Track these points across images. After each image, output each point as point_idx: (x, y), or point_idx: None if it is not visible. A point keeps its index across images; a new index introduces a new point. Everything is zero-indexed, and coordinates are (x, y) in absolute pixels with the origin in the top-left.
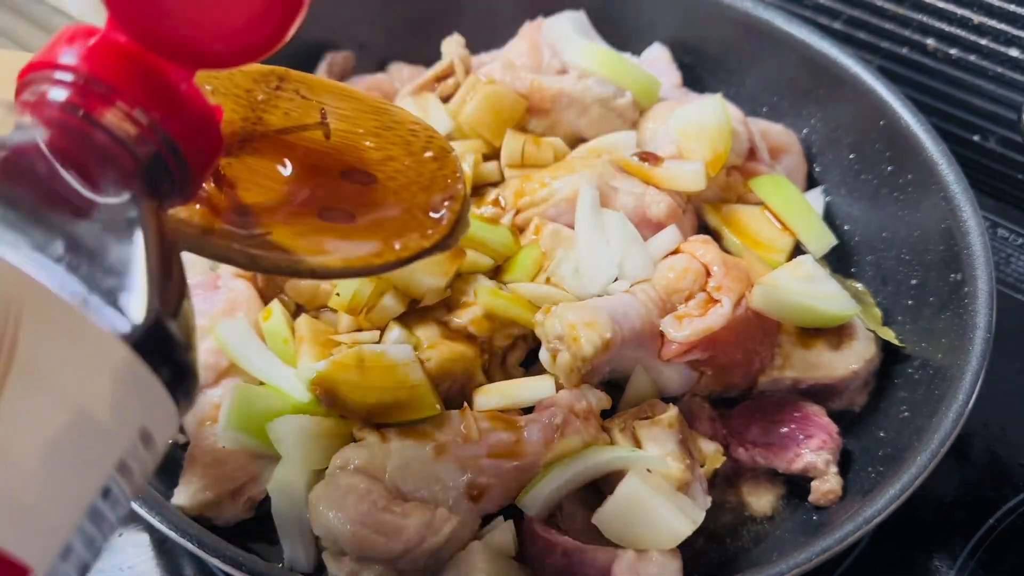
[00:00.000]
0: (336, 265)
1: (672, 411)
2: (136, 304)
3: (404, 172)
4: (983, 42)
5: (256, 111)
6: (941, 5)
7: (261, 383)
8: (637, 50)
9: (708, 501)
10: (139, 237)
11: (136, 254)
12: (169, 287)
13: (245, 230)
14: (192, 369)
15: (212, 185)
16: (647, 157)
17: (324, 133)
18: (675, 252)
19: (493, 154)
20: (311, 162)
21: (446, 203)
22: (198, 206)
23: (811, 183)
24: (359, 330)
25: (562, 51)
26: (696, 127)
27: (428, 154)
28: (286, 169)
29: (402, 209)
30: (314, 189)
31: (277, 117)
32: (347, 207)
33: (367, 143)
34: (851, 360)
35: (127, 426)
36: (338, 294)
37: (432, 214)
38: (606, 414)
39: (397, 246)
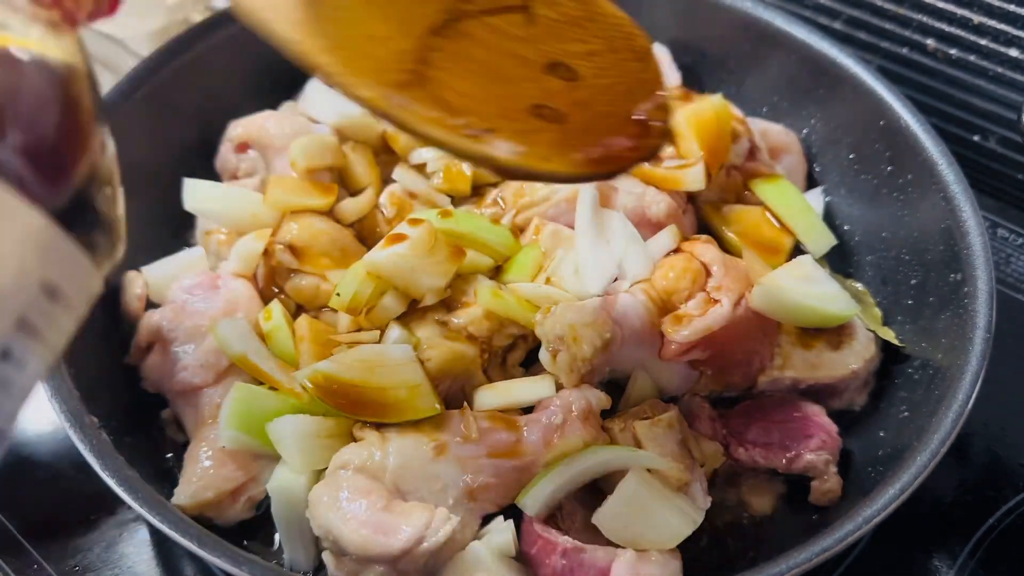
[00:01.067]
0: (559, 171)
1: (672, 411)
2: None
3: (607, 71)
4: (983, 42)
5: None
6: (941, 5)
7: (261, 383)
8: None
9: (708, 501)
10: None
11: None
12: (66, 119)
13: (474, 129)
14: (106, 217)
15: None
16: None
17: (528, 17)
18: (675, 252)
19: None
20: (516, 51)
21: (654, 112)
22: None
23: (811, 183)
24: (359, 330)
25: None
26: (696, 127)
27: (630, 53)
28: (493, 56)
29: (609, 112)
30: (521, 82)
31: None
32: (557, 105)
33: (570, 33)
34: (851, 360)
35: (17, 277)
36: (338, 294)
37: (638, 123)
38: (606, 414)
39: (612, 155)
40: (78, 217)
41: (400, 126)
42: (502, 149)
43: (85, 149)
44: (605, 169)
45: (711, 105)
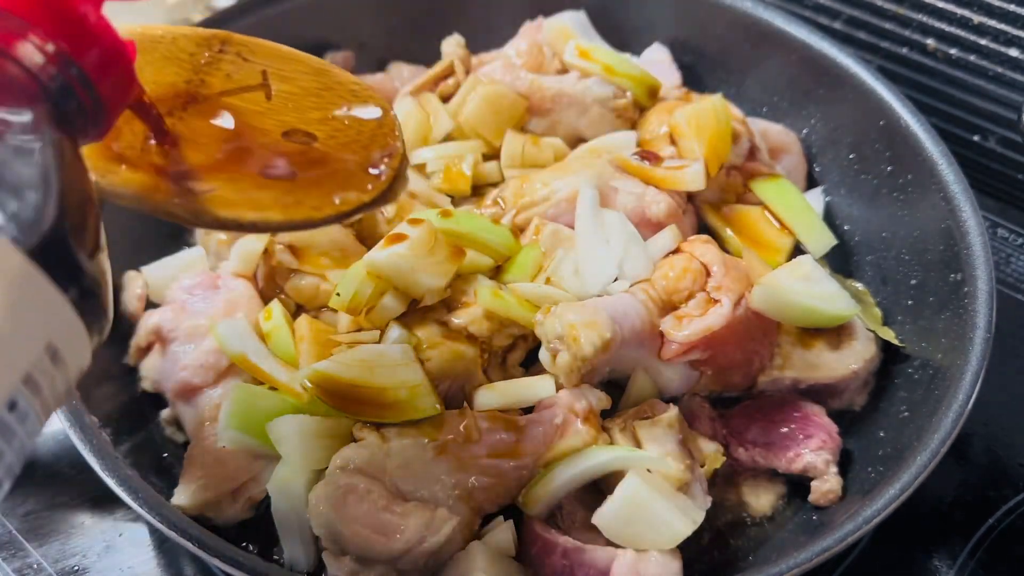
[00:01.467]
0: (277, 219)
1: (672, 411)
2: (31, 214)
3: (344, 131)
4: (983, 42)
5: (199, 74)
6: (941, 5)
7: (261, 383)
8: (637, 50)
9: (708, 501)
10: (43, 159)
11: (39, 174)
12: (75, 211)
13: (189, 187)
14: (102, 302)
15: (155, 144)
16: (647, 156)
17: (265, 94)
18: (675, 252)
19: (493, 154)
20: (253, 122)
21: (385, 159)
22: (141, 165)
23: (811, 183)
24: (359, 330)
25: (562, 51)
26: (696, 127)
27: (366, 113)
28: (228, 129)
29: (342, 166)
30: (256, 148)
31: (219, 79)
32: (288, 165)
33: (307, 103)
34: (851, 360)
35: (32, 338)
36: (338, 294)
37: (371, 170)
38: (606, 414)
39: (337, 200)
40: (79, 290)
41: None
42: (216, 208)
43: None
44: (328, 215)
45: (711, 105)
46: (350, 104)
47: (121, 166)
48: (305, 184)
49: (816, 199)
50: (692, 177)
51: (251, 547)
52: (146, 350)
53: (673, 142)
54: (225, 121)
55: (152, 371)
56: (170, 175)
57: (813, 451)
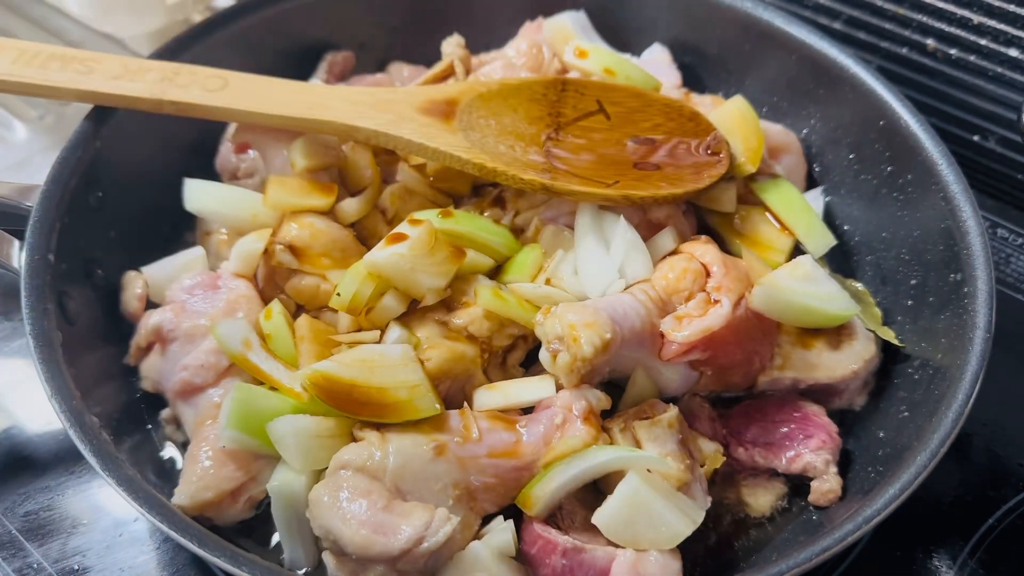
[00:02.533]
0: (677, 192)
1: (672, 411)
2: None
3: (673, 131)
4: (983, 42)
5: (554, 107)
6: (941, 5)
7: (261, 383)
8: (637, 50)
9: (708, 501)
10: None
11: None
12: None
13: (604, 179)
14: None
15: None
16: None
17: (605, 115)
18: (675, 252)
19: None
20: (605, 137)
21: (718, 145)
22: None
23: (811, 183)
24: (359, 330)
25: (562, 51)
26: (729, 126)
27: (683, 117)
28: (592, 143)
29: (688, 155)
30: (619, 152)
31: (569, 109)
32: (650, 160)
33: (637, 117)
34: (851, 360)
35: None
36: (338, 294)
37: (711, 155)
38: (606, 414)
39: (704, 175)
40: None
41: (556, 192)
42: (634, 190)
43: None
44: (708, 184)
45: (735, 106)
46: (667, 112)
47: (549, 173)
48: (672, 171)
49: (816, 199)
50: (725, 197)
51: (251, 547)
52: (146, 350)
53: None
54: (589, 138)
55: (152, 371)
56: (579, 176)
57: (813, 451)
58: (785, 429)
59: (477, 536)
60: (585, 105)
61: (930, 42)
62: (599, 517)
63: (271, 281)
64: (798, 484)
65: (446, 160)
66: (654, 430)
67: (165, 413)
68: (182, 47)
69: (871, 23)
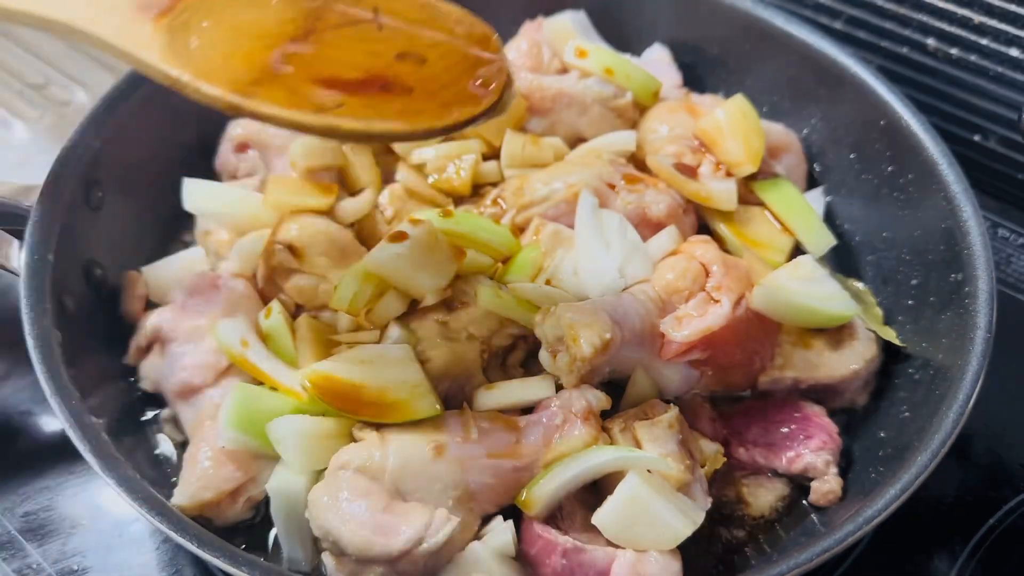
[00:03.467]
0: (402, 129)
1: (672, 411)
2: None
3: (450, 53)
4: (983, 42)
5: (316, 13)
6: (941, 5)
7: (261, 383)
8: (637, 50)
9: (708, 501)
10: None
11: None
12: None
13: (319, 101)
14: None
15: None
16: (683, 169)
17: (377, 26)
18: (675, 252)
19: (493, 154)
20: (368, 49)
21: (493, 76)
22: (276, 86)
23: (811, 183)
24: (359, 330)
25: (562, 51)
26: (729, 126)
27: (470, 38)
28: (346, 54)
29: (453, 82)
30: (373, 68)
31: (334, 15)
32: (405, 82)
33: (415, 31)
34: (852, 360)
35: None
36: (338, 294)
37: (480, 87)
38: (606, 414)
39: (454, 112)
40: None
41: (245, 113)
42: (347, 120)
43: None
44: (447, 124)
45: (735, 106)
46: (453, 31)
47: (259, 87)
48: (422, 97)
49: (816, 199)
50: (725, 196)
51: (251, 547)
52: (146, 350)
53: (704, 147)
54: (345, 47)
55: (152, 371)
56: (301, 92)
57: (813, 451)
58: (786, 429)
59: (477, 536)
60: (357, 12)
61: (931, 42)
62: (599, 517)
63: (271, 281)
64: (798, 484)
65: (136, 64)
66: (654, 430)
67: (165, 413)
68: None
69: (872, 23)
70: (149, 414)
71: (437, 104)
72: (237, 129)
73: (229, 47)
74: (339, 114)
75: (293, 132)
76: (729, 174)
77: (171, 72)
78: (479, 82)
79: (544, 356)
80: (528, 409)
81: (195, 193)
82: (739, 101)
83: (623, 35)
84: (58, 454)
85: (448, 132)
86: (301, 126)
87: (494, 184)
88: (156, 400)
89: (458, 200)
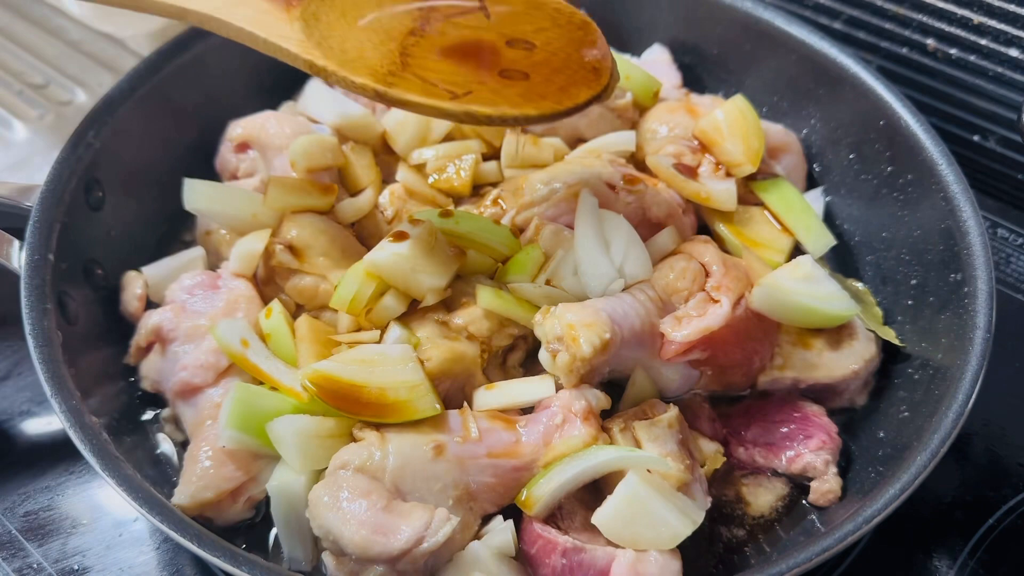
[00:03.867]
0: (533, 113)
1: (672, 411)
2: None
3: (556, 39)
4: (983, 42)
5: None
6: (941, 5)
7: (261, 383)
8: (637, 50)
9: (708, 501)
10: None
11: None
12: None
13: (454, 90)
14: None
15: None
16: (683, 169)
17: (485, 14)
18: (674, 252)
19: (493, 154)
20: (479, 37)
21: (600, 58)
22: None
23: (811, 183)
24: (359, 330)
25: None
26: (729, 126)
27: (571, 24)
28: (462, 42)
29: (564, 66)
30: (488, 56)
31: (444, 4)
32: (520, 67)
33: (521, 19)
34: (851, 360)
35: None
36: (338, 294)
37: (588, 70)
38: (606, 414)
39: (573, 94)
40: None
41: (390, 101)
42: (481, 106)
43: None
44: (569, 107)
45: (735, 106)
46: (555, 18)
47: (394, 78)
48: (540, 82)
49: (816, 199)
50: (725, 196)
51: (251, 547)
52: (146, 350)
53: (703, 148)
54: (461, 38)
55: (152, 371)
56: (431, 82)
57: (813, 451)
58: (785, 429)
59: (477, 536)
60: (466, 1)
61: (930, 42)
62: (599, 517)
63: (271, 281)
64: (798, 484)
65: (276, 53)
66: (654, 430)
67: (165, 413)
68: (182, 47)
69: (871, 23)
70: (149, 414)
71: (556, 88)
72: (237, 129)
73: (359, 37)
74: (470, 101)
75: (431, 117)
76: (729, 174)
77: (317, 62)
78: (589, 65)
79: (544, 356)
80: (528, 409)
81: (195, 193)
82: (739, 101)
83: (623, 35)
84: (58, 454)
85: (571, 114)
86: (442, 112)
87: (494, 184)
88: (156, 400)
89: (458, 200)
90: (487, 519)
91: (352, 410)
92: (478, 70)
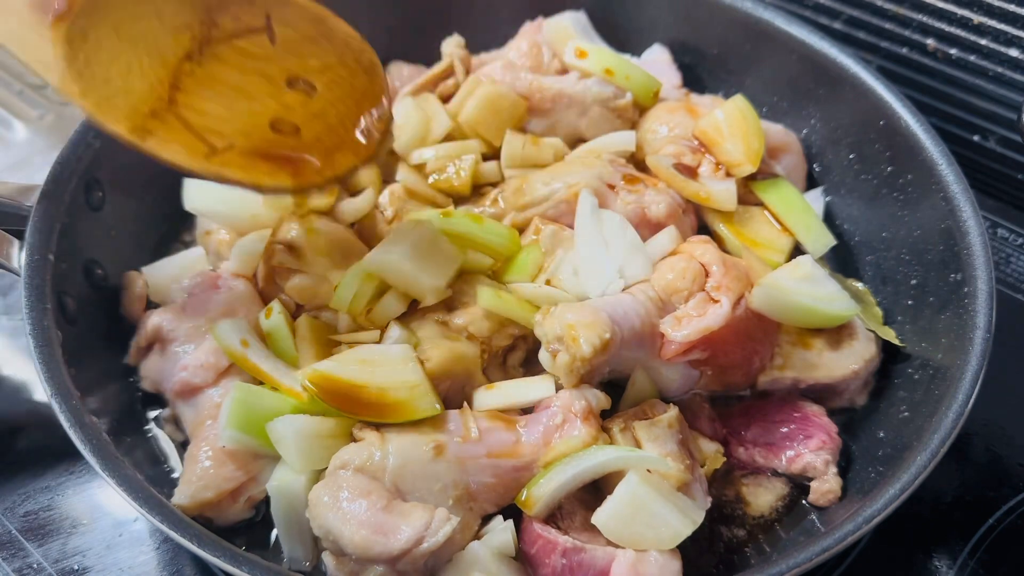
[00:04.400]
0: (288, 185)
1: (672, 411)
2: None
3: (339, 83)
4: (983, 42)
5: (210, 14)
6: (941, 5)
7: (261, 383)
8: (637, 50)
9: (708, 501)
10: None
11: None
12: None
13: (211, 141)
14: None
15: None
16: (683, 169)
17: (270, 37)
18: (674, 252)
19: (493, 154)
20: (261, 69)
21: (375, 121)
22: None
23: (811, 183)
24: (359, 330)
25: (562, 51)
26: (729, 126)
27: (358, 66)
28: (241, 76)
29: (339, 123)
30: (264, 98)
31: (228, 19)
32: (294, 119)
33: (307, 50)
34: (851, 360)
35: None
36: (339, 294)
37: (362, 133)
38: (606, 414)
39: (334, 164)
40: None
41: (143, 151)
42: (234, 170)
43: None
44: (329, 177)
45: (735, 106)
46: (343, 56)
47: (155, 121)
48: (310, 141)
49: (816, 199)
50: (725, 196)
51: (251, 547)
52: (146, 350)
53: (704, 148)
54: (238, 68)
55: (152, 371)
56: (195, 126)
57: (813, 451)
58: (785, 429)
59: (477, 536)
60: (250, 18)
61: (930, 42)
62: (599, 517)
63: (271, 281)
64: (798, 484)
65: (44, 78)
66: (654, 430)
67: (165, 413)
68: None
69: (871, 23)
70: (149, 414)
71: (321, 152)
72: None
73: (129, 59)
74: (226, 161)
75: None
76: (729, 174)
77: (75, 99)
78: (364, 130)
79: (544, 356)
80: (528, 409)
81: (195, 193)
82: (739, 101)
83: (623, 35)
84: (58, 454)
85: (326, 186)
86: (192, 171)
87: (494, 184)
88: (156, 400)
89: (458, 200)
90: (487, 519)
91: (352, 410)
92: (249, 116)
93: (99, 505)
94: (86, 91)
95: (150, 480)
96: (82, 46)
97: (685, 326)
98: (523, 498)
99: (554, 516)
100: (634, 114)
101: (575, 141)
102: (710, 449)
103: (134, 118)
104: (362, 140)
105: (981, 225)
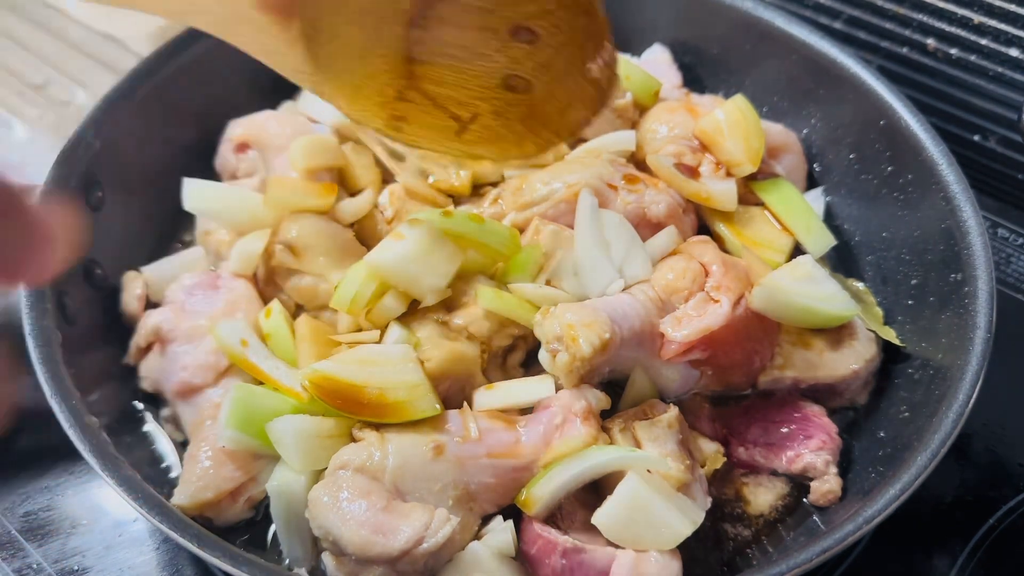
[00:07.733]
0: (533, 151)
1: (672, 411)
2: None
3: (560, 27)
4: (983, 42)
5: None
6: (941, 5)
7: (261, 383)
8: (637, 51)
9: (708, 501)
10: None
11: None
12: None
13: (459, 112)
14: None
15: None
16: (683, 169)
17: None
18: (674, 252)
19: None
20: (484, 23)
21: (601, 67)
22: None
23: (811, 183)
24: (359, 330)
25: None
26: (729, 126)
27: (577, 7)
28: (466, 34)
29: (566, 72)
30: (493, 54)
31: None
32: (523, 72)
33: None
34: (851, 360)
35: None
36: (338, 294)
37: (589, 82)
38: (606, 414)
39: (568, 121)
40: None
41: (398, 141)
42: (483, 146)
43: None
44: (566, 137)
45: (735, 106)
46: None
47: (402, 104)
48: (543, 97)
49: (816, 199)
50: (725, 196)
51: (251, 546)
52: (146, 350)
53: (704, 147)
54: (463, 25)
55: (152, 371)
56: (439, 100)
57: (813, 451)
58: (785, 429)
59: (477, 536)
60: None
61: (930, 42)
62: (599, 517)
63: (271, 281)
64: (798, 484)
65: (305, 86)
66: (654, 430)
67: (165, 413)
68: (182, 47)
69: (871, 23)
70: (149, 414)
71: (556, 110)
72: (237, 129)
73: (360, 45)
74: (475, 137)
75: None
76: (729, 174)
77: (331, 99)
78: (592, 78)
79: (544, 356)
80: (528, 409)
81: (195, 193)
82: (739, 101)
83: (623, 35)
84: (58, 454)
85: (568, 142)
86: (444, 154)
87: (494, 184)
88: (156, 400)
89: (458, 200)
90: (487, 519)
91: (352, 410)
92: (483, 75)
93: (99, 505)
94: (337, 88)
95: (149, 480)
96: (318, 38)
97: (685, 326)
98: (523, 498)
99: (554, 516)
100: (634, 114)
101: (575, 141)
102: (710, 449)
103: (385, 107)
104: (590, 89)
105: (982, 225)
